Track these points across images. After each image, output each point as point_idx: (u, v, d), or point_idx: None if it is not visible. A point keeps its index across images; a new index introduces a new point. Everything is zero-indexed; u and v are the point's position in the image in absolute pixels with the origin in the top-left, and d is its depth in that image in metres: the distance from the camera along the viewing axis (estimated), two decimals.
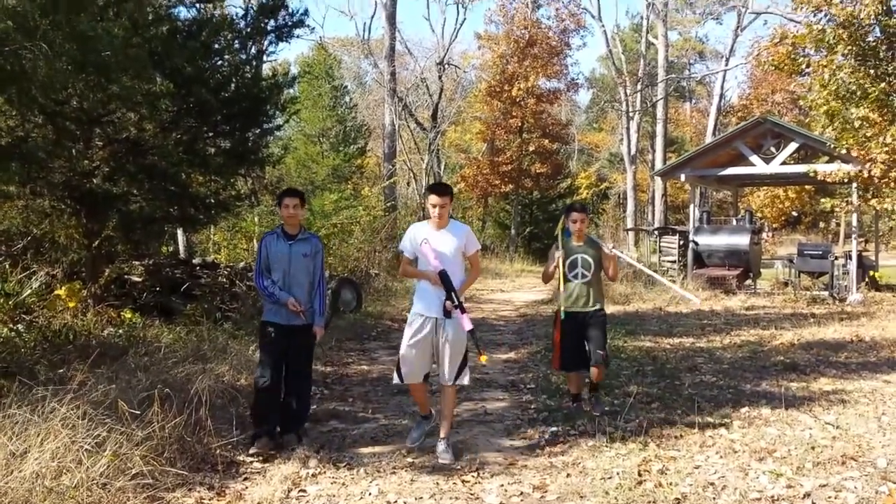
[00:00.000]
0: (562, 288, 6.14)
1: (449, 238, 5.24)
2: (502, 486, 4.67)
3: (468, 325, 4.97)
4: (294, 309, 5.31)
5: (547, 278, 6.36)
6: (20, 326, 7.69)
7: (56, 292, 8.61)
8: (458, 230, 5.35)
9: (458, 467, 5.00)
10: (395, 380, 5.40)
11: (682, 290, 5.51)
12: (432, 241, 5.16)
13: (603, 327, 6.15)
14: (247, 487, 4.60)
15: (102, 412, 4.62)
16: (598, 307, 6.14)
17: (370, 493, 4.54)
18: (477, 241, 5.49)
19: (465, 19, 35.66)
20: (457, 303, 5.00)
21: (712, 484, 4.58)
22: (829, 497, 4.34)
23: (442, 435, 5.27)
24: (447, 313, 5.04)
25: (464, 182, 31.03)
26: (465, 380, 5.35)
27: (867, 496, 4.32)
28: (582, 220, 6.13)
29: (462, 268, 5.36)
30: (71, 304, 8.41)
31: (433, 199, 5.21)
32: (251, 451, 5.12)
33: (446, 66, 32.60)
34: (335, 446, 5.51)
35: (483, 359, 5.05)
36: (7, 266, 8.75)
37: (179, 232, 14.92)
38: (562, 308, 6.10)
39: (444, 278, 4.99)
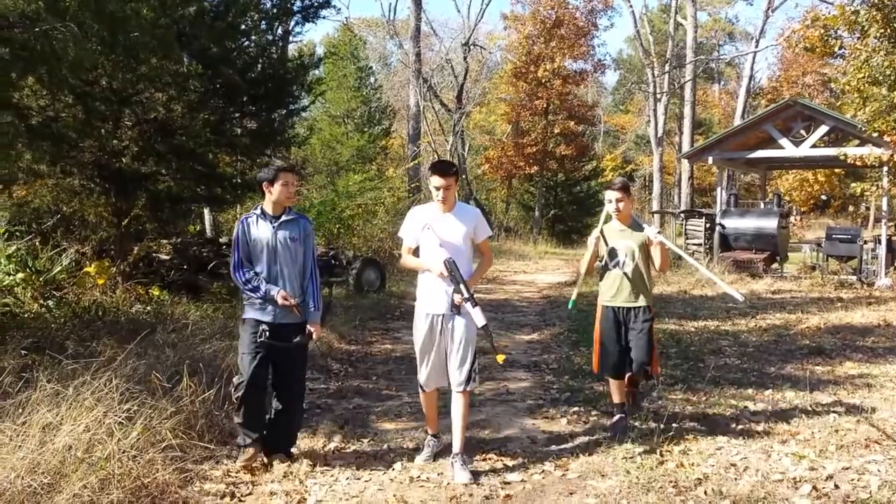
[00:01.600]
0: (600, 279, 5.31)
1: (455, 223, 4.60)
2: (524, 464, 4.71)
3: (481, 321, 4.32)
4: (286, 303, 4.46)
5: (586, 271, 5.35)
6: (50, 302, 7.83)
7: (85, 269, 8.75)
8: (467, 214, 4.70)
9: (481, 445, 5.04)
10: (419, 389, 4.82)
11: (726, 285, 5.05)
12: (436, 226, 4.56)
13: (649, 332, 5.11)
14: (274, 461, 4.68)
15: (132, 386, 4.71)
16: (643, 304, 5.16)
17: (394, 469, 4.60)
18: (488, 226, 4.86)
19: (491, 0, 35.70)
20: (467, 295, 4.36)
21: (734, 465, 4.59)
22: (852, 480, 4.33)
23: (456, 450, 4.54)
24: (456, 308, 4.45)
25: (488, 164, 30.98)
26: (475, 384, 4.70)
27: (891, 479, 4.30)
28: (620, 200, 5.16)
29: (470, 257, 4.70)
30: (100, 282, 8.54)
31: (436, 180, 4.56)
32: (238, 464, 4.52)
33: (472, 47, 32.45)
34: (359, 422, 5.58)
35: (500, 359, 4.49)
36: (38, 243, 8.90)
37: (206, 211, 15.06)
38: (601, 301, 5.28)
39: (451, 268, 4.37)
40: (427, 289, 4.62)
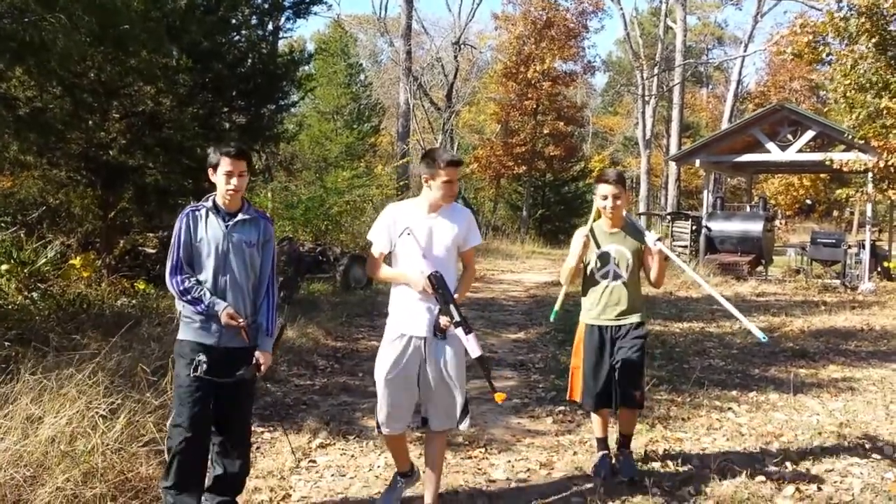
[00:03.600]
0: (583, 291, 4.46)
1: (445, 226, 3.73)
2: (509, 462, 4.72)
3: (476, 351, 3.52)
4: (232, 323, 3.50)
5: (572, 277, 4.36)
6: (35, 294, 7.76)
7: (71, 262, 8.68)
8: (458, 216, 3.80)
9: (466, 443, 5.05)
10: (376, 429, 3.87)
11: (744, 318, 4.25)
12: (419, 230, 3.67)
13: (641, 353, 4.28)
14: (257, 457, 4.67)
15: (117, 380, 4.69)
16: (635, 320, 4.31)
17: (378, 466, 4.60)
18: (478, 233, 3.98)
19: (482, 0, 35.68)
20: (458, 319, 3.53)
21: (718, 466, 4.61)
22: (835, 482, 4.37)
23: (429, 501, 3.86)
24: (441, 332, 3.63)
25: (477, 163, 30.99)
26: (466, 423, 3.86)
27: (873, 482, 4.35)
28: (615, 196, 4.21)
29: (455, 269, 3.83)
30: (85, 274, 8.48)
31: (449, 172, 3.65)
32: None
33: (462, 46, 32.46)
34: (345, 419, 5.58)
35: (500, 398, 3.60)
36: (23, 235, 8.82)
37: None
38: (583, 319, 4.43)
39: (438, 284, 3.55)
40: (403, 305, 3.73)
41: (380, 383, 3.72)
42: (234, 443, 3.69)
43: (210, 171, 3.59)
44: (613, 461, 4.53)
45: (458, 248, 3.80)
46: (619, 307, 4.30)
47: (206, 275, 3.57)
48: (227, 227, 3.60)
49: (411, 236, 3.65)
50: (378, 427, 3.80)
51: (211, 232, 3.58)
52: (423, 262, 3.61)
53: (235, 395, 3.62)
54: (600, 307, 4.32)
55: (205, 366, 3.51)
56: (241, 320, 3.52)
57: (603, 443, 4.59)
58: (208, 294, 3.53)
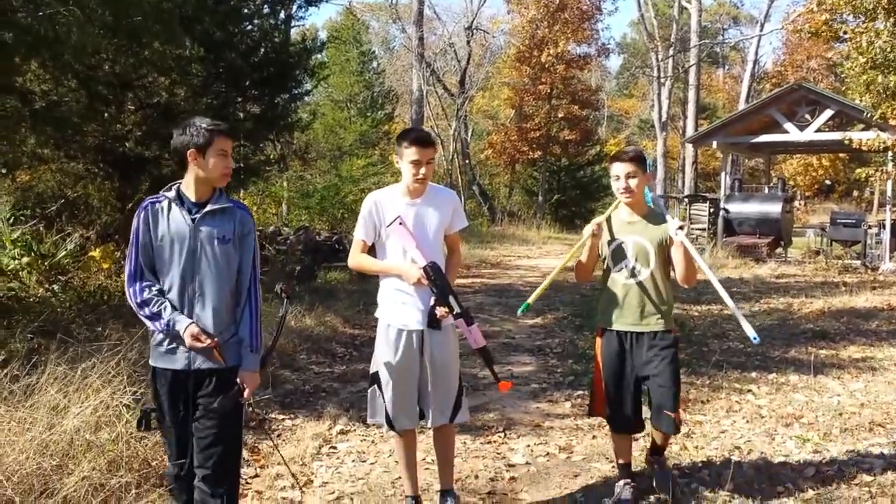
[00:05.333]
0: (600, 290, 3.88)
1: (428, 212, 3.54)
2: (528, 446, 4.73)
3: (480, 342, 3.41)
4: (198, 344, 2.91)
5: (583, 273, 3.89)
6: (56, 287, 7.85)
7: (90, 254, 8.76)
8: (443, 199, 3.63)
9: (486, 428, 5.07)
10: (383, 424, 3.71)
11: (744, 321, 3.52)
12: (409, 218, 3.49)
13: (673, 365, 3.68)
14: (279, 445, 4.71)
15: (139, 370, 4.74)
16: (661, 327, 3.69)
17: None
18: (464, 215, 3.79)
19: None
20: (458, 310, 3.36)
21: (738, 448, 4.61)
22: (856, 463, 4.35)
23: (443, 486, 3.76)
24: (436, 323, 3.44)
25: (491, 148, 30.91)
26: (465, 415, 3.75)
27: (895, 462, 4.32)
28: (628, 175, 3.61)
29: (442, 253, 3.64)
30: (105, 266, 8.56)
31: (414, 152, 3.42)
32: None
33: (475, 30, 32.32)
34: (364, 405, 5.58)
35: (505, 387, 3.53)
36: (42, 228, 8.91)
37: None
38: (600, 323, 3.86)
39: (434, 275, 3.36)
40: (393, 297, 3.56)
41: (384, 379, 3.58)
42: (215, 482, 2.99)
43: (193, 153, 2.95)
44: (648, 470, 4.10)
45: (444, 233, 3.62)
46: (640, 310, 3.68)
47: (171, 281, 2.96)
48: (193, 219, 2.97)
49: (403, 226, 3.43)
50: (389, 425, 3.61)
51: (174, 227, 2.96)
52: (416, 252, 3.41)
53: (214, 428, 2.98)
54: (618, 308, 3.72)
55: (154, 421, 3.03)
56: (207, 340, 2.90)
57: (625, 469, 3.91)
58: (168, 308, 2.92)
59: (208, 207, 2.99)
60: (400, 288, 3.52)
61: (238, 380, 3.00)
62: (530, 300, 3.84)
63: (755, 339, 3.51)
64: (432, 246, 3.50)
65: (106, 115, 8.55)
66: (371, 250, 3.67)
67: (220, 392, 2.97)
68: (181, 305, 2.95)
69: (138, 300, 2.93)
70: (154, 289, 2.95)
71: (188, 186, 3.02)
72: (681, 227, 3.57)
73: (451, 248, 3.76)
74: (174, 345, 2.96)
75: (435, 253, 3.50)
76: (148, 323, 2.95)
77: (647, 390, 3.78)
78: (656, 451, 4.03)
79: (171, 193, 3.01)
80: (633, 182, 3.61)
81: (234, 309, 3.04)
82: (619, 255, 3.71)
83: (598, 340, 3.85)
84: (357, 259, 3.66)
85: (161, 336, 2.96)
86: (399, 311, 3.53)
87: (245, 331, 3.03)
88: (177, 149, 3.00)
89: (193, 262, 2.95)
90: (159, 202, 3.01)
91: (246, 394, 3.01)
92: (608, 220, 3.79)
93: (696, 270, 3.67)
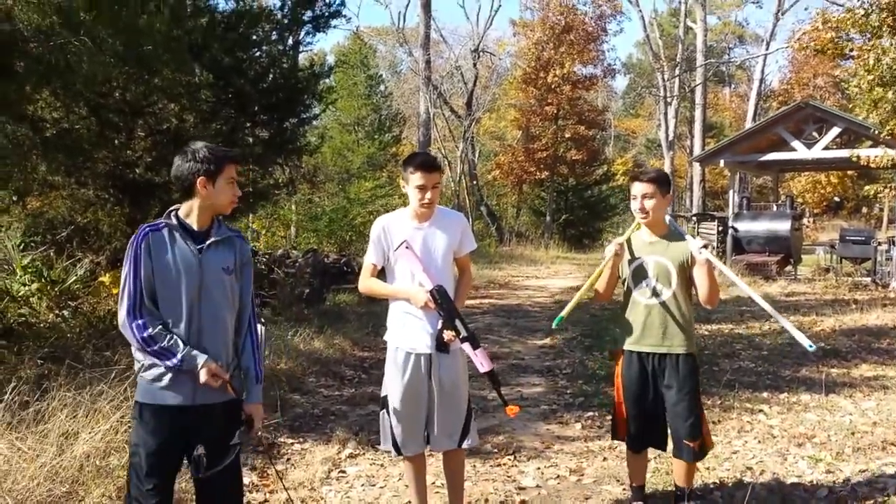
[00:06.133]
0: (622, 310, 3.82)
1: (436, 235, 3.54)
2: (539, 469, 4.71)
3: (486, 366, 3.31)
4: (214, 382, 2.76)
5: (602, 294, 3.83)
6: (66, 312, 7.89)
7: (100, 279, 8.80)
8: (450, 222, 3.62)
9: (496, 451, 5.05)
10: (391, 450, 3.65)
11: (796, 331, 3.41)
12: (416, 242, 3.50)
13: (694, 390, 3.67)
14: (288, 469, 4.70)
15: None
16: (684, 349, 3.66)
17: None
18: (473, 237, 3.79)
19: (500, 6, 35.59)
20: (464, 333, 3.33)
21: (750, 469, 4.58)
22: (870, 483, 4.31)
23: None
24: (444, 346, 3.42)
25: (499, 169, 31.01)
26: (474, 439, 3.69)
27: None
28: (645, 196, 3.63)
29: (451, 276, 3.63)
30: (115, 291, 8.58)
31: (419, 177, 3.43)
32: None
33: (481, 53, 32.54)
34: (374, 429, 5.57)
35: (512, 412, 3.36)
36: (52, 254, 8.97)
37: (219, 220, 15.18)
38: (621, 344, 3.81)
39: (441, 298, 3.35)
40: (402, 320, 3.56)
41: (392, 402, 3.56)
42: None
43: (203, 180, 2.81)
44: None
45: (454, 254, 3.62)
46: (662, 331, 3.64)
47: (177, 314, 2.78)
48: (199, 249, 2.83)
49: (409, 250, 3.44)
50: (397, 450, 3.59)
51: (181, 257, 2.80)
52: (423, 276, 3.41)
53: (221, 479, 2.83)
54: (639, 330, 3.68)
55: (204, 459, 2.76)
56: (225, 375, 2.80)
57: (639, 492, 3.91)
58: (180, 343, 2.73)
59: (213, 237, 2.86)
60: (409, 311, 3.51)
61: (246, 410, 2.89)
62: (563, 314, 3.75)
63: (811, 346, 3.45)
64: (440, 269, 3.49)
65: (116, 141, 8.63)
66: (381, 274, 3.69)
67: (228, 427, 2.84)
68: (188, 339, 2.77)
69: (144, 336, 2.70)
70: (159, 323, 2.74)
71: (190, 214, 2.87)
72: (705, 246, 3.54)
73: (461, 269, 3.76)
74: (178, 378, 2.75)
75: (443, 276, 3.48)
76: (153, 360, 2.73)
77: (668, 416, 3.72)
78: (681, 497, 3.77)
79: (173, 222, 2.84)
80: (649, 203, 3.61)
81: (234, 341, 2.93)
82: (640, 275, 3.69)
83: (619, 363, 3.80)
84: (367, 283, 3.66)
85: (160, 370, 2.75)
86: (408, 334, 3.52)
87: (249, 361, 2.94)
88: (183, 176, 2.83)
89: (201, 294, 2.80)
90: (160, 230, 2.82)
91: (256, 425, 2.93)
92: (628, 240, 3.77)
93: (719, 290, 3.67)
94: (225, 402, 2.84)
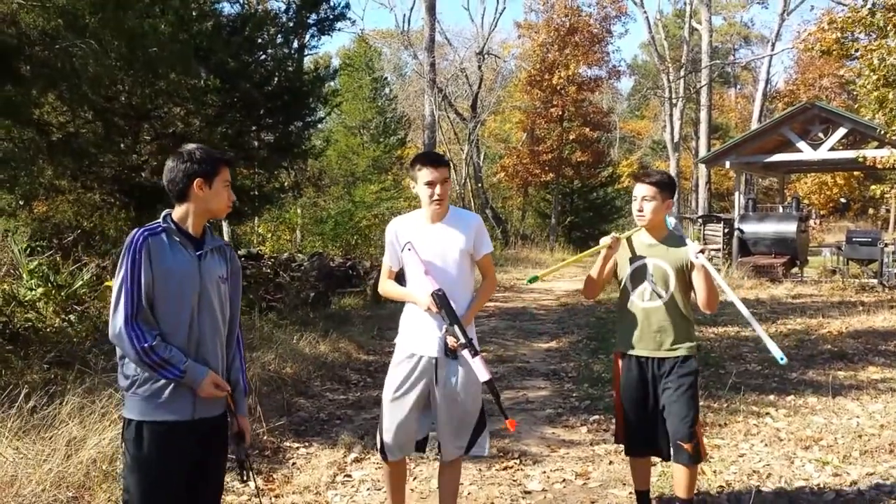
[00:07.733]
0: (619, 314, 3.81)
1: (447, 236, 3.44)
2: (545, 472, 4.70)
3: (484, 375, 3.18)
4: (219, 393, 2.69)
5: (591, 288, 3.82)
6: (72, 317, 7.90)
7: (106, 283, 8.80)
8: (463, 222, 3.50)
9: (501, 455, 5.04)
10: (380, 454, 3.62)
11: (769, 340, 3.44)
12: (420, 243, 3.42)
13: (692, 394, 3.58)
14: (294, 473, 4.70)
15: None
16: (680, 353, 3.60)
17: (414, 478, 4.61)
18: (489, 239, 3.64)
19: (504, 8, 35.86)
20: (463, 340, 3.21)
21: (757, 472, 4.56)
22: (877, 485, 4.29)
23: None
24: (452, 353, 3.31)
25: (504, 172, 31.00)
26: (484, 448, 3.58)
27: None
28: (644, 198, 3.60)
29: (469, 281, 3.54)
30: None
31: (427, 173, 3.39)
32: None
33: (486, 55, 32.56)
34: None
35: (511, 425, 3.21)
36: (58, 258, 8.99)
37: (224, 224, 15.18)
38: (620, 348, 3.77)
39: (440, 302, 3.26)
40: (413, 323, 3.49)
41: (386, 403, 3.49)
42: None
43: (199, 182, 2.69)
44: None
45: (471, 258, 3.52)
46: (661, 335, 3.59)
47: (175, 323, 2.62)
48: (197, 256, 2.69)
49: (412, 251, 3.38)
50: (383, 453, 3.53)
51: (181, 264, 2.64)
52: (425, 278, 3.33)
53: (217, 481, 2.85)
54: (637, 333, 3.63)
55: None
56: (228, 387, 2.75)
57: (643, 497, 3.87)
58: (179, 354, 2.59)
59: (209, 245, 2.75)
60: (419, 314, 3.43)
61: (237, 425, 2.80)
62: (540, 274, 3.76)
63: (782, 359, 3.43)
64: (451, 271, 3.41)
65: (122, 145, 8.67)
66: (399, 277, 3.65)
67: (224, 442, 2.80)
68: (187, 350, 2.63)
69: (143, 345, 2.51)
70: (155, 335, 2.55)
71: (185, 219, 2.72)
72: (702, 251, 3.51)
73: (483, 272, 3.66)
74: (177, 392, 2.61)
75: (453, 278, 3.40)
76: (150, 372, 2.56)
77: (665, 419, 3.63)
78: (689, 482, 3.62)
79: (168, 226, 2.68)
80: (648, 206, 3.58)
81: (227, 352, 2.83)
82: (638, 276, 3.64)
83: (618, 364, 3.75)
84: (384, 286, 3.64)
85: (158, 384, 2.59)
86: (416, 337, 3.46)
87: (238, 374, 2.85)
88: (179, 178, 2.69)
89: (200, 303, 2.66)
90: (157, 235, 2.64)
91: (248, 439, 2.86)
92: (629, 240, 3.72)
93: (718, 295, 3.61)
94: (218, 416, 2.75)
